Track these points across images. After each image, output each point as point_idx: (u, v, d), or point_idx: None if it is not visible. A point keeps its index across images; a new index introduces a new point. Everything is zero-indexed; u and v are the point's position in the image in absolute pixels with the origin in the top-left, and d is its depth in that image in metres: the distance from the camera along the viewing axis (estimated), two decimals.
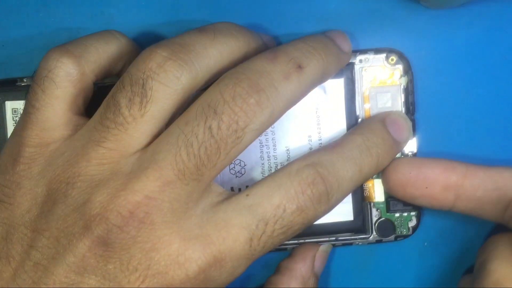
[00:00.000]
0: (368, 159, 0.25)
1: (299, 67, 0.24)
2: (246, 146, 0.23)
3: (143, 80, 0.23)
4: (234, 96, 0.22)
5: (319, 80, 0.25)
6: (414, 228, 0.29)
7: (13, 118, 0.27)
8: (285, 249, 0.29)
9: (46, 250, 0.22)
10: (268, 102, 0.23)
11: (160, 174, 0.22)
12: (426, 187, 0.26)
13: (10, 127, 0.27)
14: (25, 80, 0.27)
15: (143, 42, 0.28)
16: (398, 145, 0.27)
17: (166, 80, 0.23)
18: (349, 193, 0.25)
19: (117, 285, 0.22)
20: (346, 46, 0.26)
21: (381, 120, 0.27)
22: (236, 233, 0.23)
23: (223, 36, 0.24)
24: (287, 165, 0.25)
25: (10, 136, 0.25)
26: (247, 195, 0.24)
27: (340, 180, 0.24)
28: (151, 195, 0.22)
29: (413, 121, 0.28)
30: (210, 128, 0.22)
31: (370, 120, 0.27)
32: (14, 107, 0.27)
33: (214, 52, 0.24)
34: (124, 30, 0.27)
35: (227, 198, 0.24)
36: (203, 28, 0.25)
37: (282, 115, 0.24)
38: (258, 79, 0.23)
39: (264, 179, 0.24)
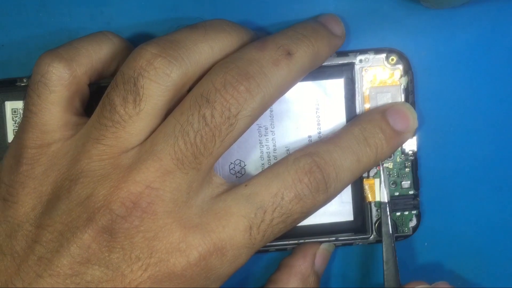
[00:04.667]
0: (366, 149, 0.25)
1: (288, 53, 0.24)
2: (241, 133, 0.24)
3: (134, 78, 0.23)
4: (224, 84, 0.23)
5: (310, 65, 0.25)
6: (414, 228, 0.29)
7: (13, 118, 0.27)
8: (285, 249, 0.29)
9: (50, 244, 0.23)
10: (258, 88, 0.23)
11: (160, 164, 0.23)
12: None
13: (10, 127, 0.27)
14: (24, 80, 0.27)
15: (142, 42, 0.28)
16: (399, 135, 0.26)
17: (156, 78, 0.23)
18: (348, 183, 0.25)
19: (120, 274, 0.22)
20: (338, 29, 0.27)
21: (382, 110, 0.27)
22: (236, 221, 0.23)
23: (215, 32, 0.24)
24: (285, 156, 0.25)
25: (13, 139, 0.25)
26: (246, 185, 0.24)
27: (337, 170, 0.24)
28: (153, 186, 0.23)
29: None
30: (204, 116, 0.23)
31: (371, 110, 0.27)
32: (14, 107, 0.27)
33: (205, 48, 0.24)
34: (124, 30, 0.27)
35: (227, 189, 0.24)
36: (194, 24, 0.25)
37: (274, 102, 0.25)
38: (248, 67, 0.23)
39: (262, 170, 0.25)
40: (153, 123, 0.24)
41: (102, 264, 0.22)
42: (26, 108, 0.24)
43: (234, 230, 0.23)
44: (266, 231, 0.24)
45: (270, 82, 0.24)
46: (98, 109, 0.24)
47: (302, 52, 0.24)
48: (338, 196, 0.28)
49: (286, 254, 0.28)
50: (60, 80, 0.24)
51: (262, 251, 0.29)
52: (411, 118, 0.27)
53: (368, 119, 0.26)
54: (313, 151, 0.25)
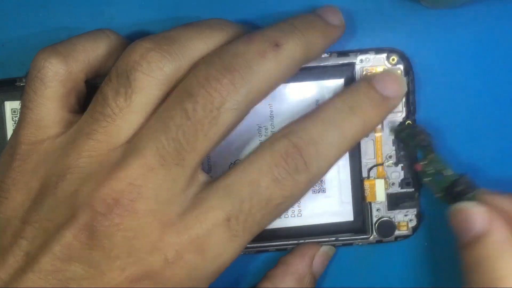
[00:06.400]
0: (351, 119, 0.24)
1: (276, 45, 0.23)
2: (228, 128, 0.23)
3: (127, 71, 0.23)
4: (208, 78, 0.23)
5: (302, 57, 0.24)
6: (414, 228, 0.29)
7: (12, 118, 0.27)
8: (285, 249, 0.29)
9: (36, 240, 0.23)
10: (242, 81, 0.23)
11: (143, 161, 0.22)
12: None
13: (9, 127, 0.27)
14: (24, 80, 0.27)
15: None
16: (388, 101, 0.25)
17: (149, 71, 0.23)
18: (335, 159, 0.24)
19: (100, 272, 0.22)
20: (335, 19, 0.26)
21: (368, 78, 0.26)
22: (213, 216, 0.23)
23: (210, 29, 0.24)
24: (262, 141, 0.24)
25: (10, 136, 0.25)
26: (224, 177, 0.23)
27: (318, 146, 0.23)
28: (135, 183, 0.22)
29: (414, 121, 0.28)
30: (186, 110, 0.22)
31: (356, 81, 0.27)
32: (13, 107, 0.27)
33: (200, 45, 0.24)
34: (124, 29, 0.27)
35: (207, 183, 0.24)
36: (190, 23, 0.25)
37: (264, 96, 0.24)
38: (232, 60, 0.23)
39: (241, 160, 0.24)
40: (143, 117, 0.23)
41: (83, 262, 0.22)
42: (22, 105, 0.24)
43: (212, 225, 0.23)
44: (246, 221, 0.23)
45: (256, 74, 0.23)
46: (91, 104, 0.24)
47: (291, 43, 0.24)
48: (338, 196, 0.28)
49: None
50: (56, 75, 0.24)
51: (261, 251, 0.29)
52: (400, 82, 0.26)
53: (353, 88, 0.26)
54: (288, 131, 0.24)
